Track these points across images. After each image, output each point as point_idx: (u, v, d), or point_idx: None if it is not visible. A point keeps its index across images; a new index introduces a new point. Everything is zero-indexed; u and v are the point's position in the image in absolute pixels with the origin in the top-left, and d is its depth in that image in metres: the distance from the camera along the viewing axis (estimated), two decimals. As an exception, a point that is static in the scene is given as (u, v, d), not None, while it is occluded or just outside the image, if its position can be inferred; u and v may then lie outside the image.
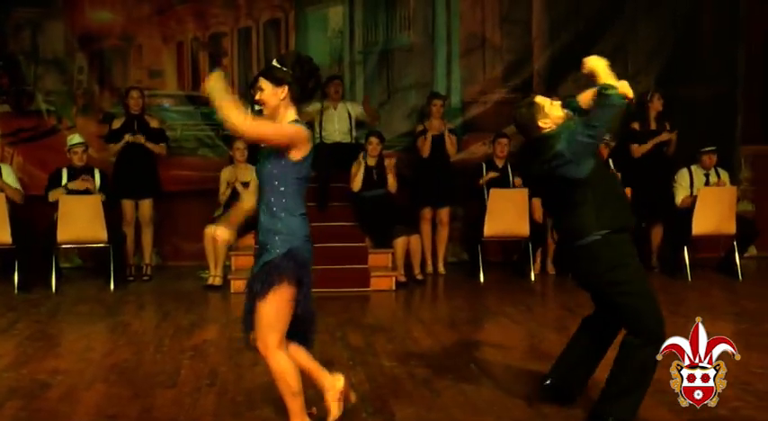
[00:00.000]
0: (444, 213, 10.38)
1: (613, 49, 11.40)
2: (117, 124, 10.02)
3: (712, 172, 10.13)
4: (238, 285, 9.23)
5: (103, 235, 9.39)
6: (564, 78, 11.35)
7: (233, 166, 9.85)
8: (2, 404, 5.40)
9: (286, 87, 4.41)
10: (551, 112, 4.95)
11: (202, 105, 10.94)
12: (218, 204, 9.86)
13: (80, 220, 9.32)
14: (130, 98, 9.99)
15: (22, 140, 10.81)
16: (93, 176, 9.59)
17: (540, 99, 5.05)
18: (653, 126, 10.30)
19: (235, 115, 4.20)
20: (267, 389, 5.73)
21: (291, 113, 4.47)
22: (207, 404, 5.43)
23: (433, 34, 11.29)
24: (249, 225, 10.13)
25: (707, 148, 10.04)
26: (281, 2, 11.13)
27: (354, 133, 10.60)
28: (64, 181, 9.49)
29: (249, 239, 9.74)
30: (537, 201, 10.20)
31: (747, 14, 11.46)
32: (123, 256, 9.90)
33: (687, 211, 9.74)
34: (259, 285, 4.28)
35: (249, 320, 4.42)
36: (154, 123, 10.14)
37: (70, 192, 9.38)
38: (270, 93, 4.43)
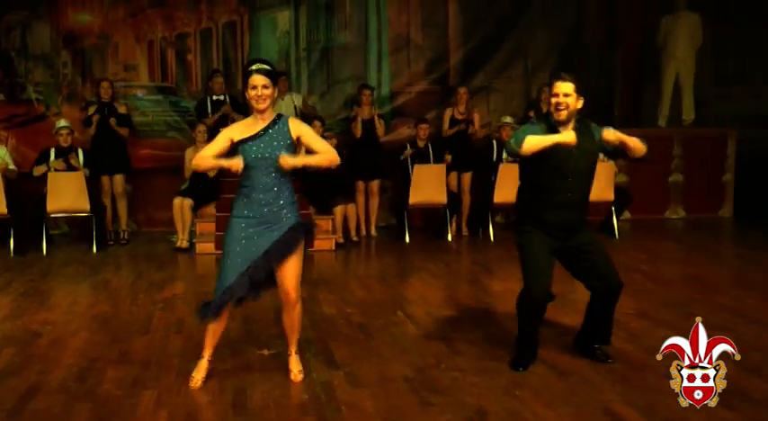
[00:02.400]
0: (375, 185, 10.37)
1: (516, 49, 11.53)
2: (91, 110, 9.84)
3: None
4: (203, 248, 9.19)
5: (87, 206, 9.26)
6: (476, 72, 11.43)
7: (195, 147, 9.71)
8: (-1, 351, 5.35)
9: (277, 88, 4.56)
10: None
11: (170, 95, 10.87)
12: (184, 179, 9.77)
13: (67, 193, 9.19)
14: (101, 88, 9.81)
15: (15, 125, 10.63)
16: (77, 155, 9.41)
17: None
18: (546, 113, 10.42)
19: (319, 161, 4.58)
20: (225, 334, 5.71)
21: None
22: (175, 347, 5.41)
23: (366, 35, 11.25)
24: (211, 196, 10.18)
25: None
26: (237, 6, 11.01)
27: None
28: (52, 159, 9.30)
29: (211, 208, 9.68)
30: (453, 175, 10.28)
31: (624, 23, 11.62)
32: (104, 224, 9.74)
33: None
34: (296, 244, 4.48)
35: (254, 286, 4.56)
36: (122, 109, 9.93)
37: (56, 169, 9.24)
38: (271, 91, 4.45)
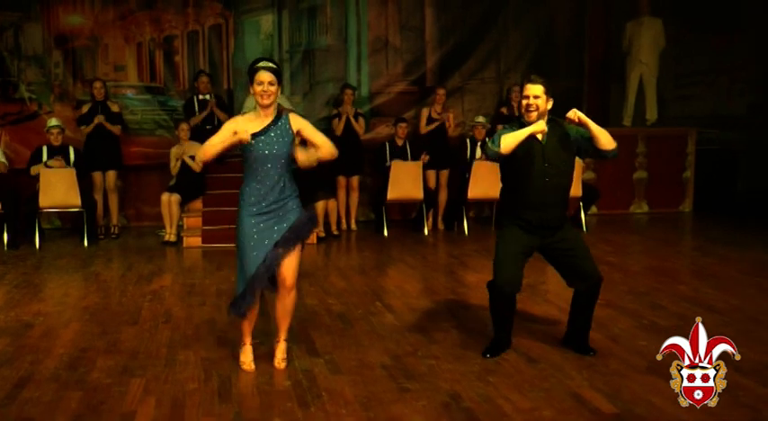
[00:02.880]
0: (355, 181, 10.33)
1: (489, 52, 11.53)
2: (85, 109, 9.79)
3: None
4: (190, 241, 9.15)
5: (78, 201, 9.18)
6: (451, 74, 11.43)
7: (179, 144, 9.65)
8: (-8, 341, 5.29)
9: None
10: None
11: (158, 94, 10.79)
12: (171, 175, 9.70)
13: (58, 189, 9.11)
14: (94, 88, 9.77)
15: (8, 123, 10.47)
16: (68, 153, 9.33)
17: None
18: (516, 112, 10.42)
19: (322, 155, 4.60)
20: (211, 324, 5.72)
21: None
22: (162, 337, 5.38)
23: (346, 38, 11.21)
24: (197, 191, 10.11)
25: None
26: (222, 10, 10.92)
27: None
28: (44, 157, 9.22)
29: (197, 204, 9.63)
30: (431, 172, 10.28)
31: (592, 28, 11.66)
32: (95, 218, 9.66)
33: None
34: (304, 233, 4.62)
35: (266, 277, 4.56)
36: (114, 108, 9.88)
37: (49, 167, 9.15)
38: (276, 88, 4.49)
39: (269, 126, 4.49)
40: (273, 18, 11.02)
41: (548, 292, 6.55)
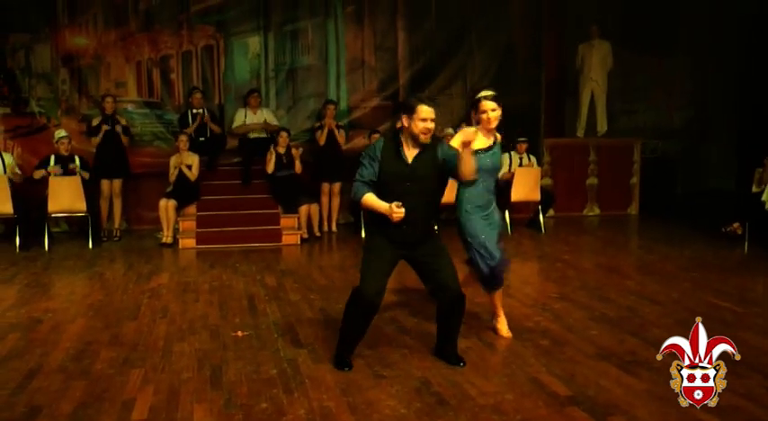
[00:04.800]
0: (337, 187, 10.31)
1: (456, 71, 11.55)
2: (95, 122, 9.77)
3: (524, 155, 10.35)
4: (185, 243, 9.09)
5: (84, 206, 9.11)
6: (422, 90, 11.41)
7: (178, 154, 9.60)
8: (5, 336, 5.24)
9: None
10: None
11: (156, 109, 10.74)
12: (169, 183, 9.63)
13: (66, 195, 9.04)
14: (106, 102, 9.75)
15: (19, 135, 10.36)
16: (73, 162, 9.28)
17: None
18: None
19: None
20: (204, 319, 5.69)
21: None
22: (160, 331, 5.34)
23: (327, 58, 11.18)
24: (192, 197, 10.01)
25: (520, 139, 10.25)
26: (213, 32, 10.87)
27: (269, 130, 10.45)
28: (51, 164, 9.16)
29: (192, 208, 9.58)
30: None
31: (546, 49, 11.72)
32: (99, 222, 9.59)
33: (507, 183, 9.95)
34: None
35: None
36: (123, 121, 9.91)
37: (54, 174, 9.10)
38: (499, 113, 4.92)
39: (492, 145, 4.83)
40: (260, 40, 11.00)
41: (509, 288, 6.59)
